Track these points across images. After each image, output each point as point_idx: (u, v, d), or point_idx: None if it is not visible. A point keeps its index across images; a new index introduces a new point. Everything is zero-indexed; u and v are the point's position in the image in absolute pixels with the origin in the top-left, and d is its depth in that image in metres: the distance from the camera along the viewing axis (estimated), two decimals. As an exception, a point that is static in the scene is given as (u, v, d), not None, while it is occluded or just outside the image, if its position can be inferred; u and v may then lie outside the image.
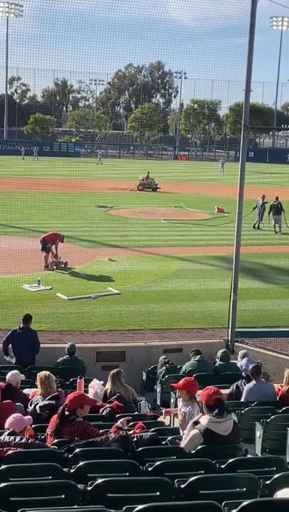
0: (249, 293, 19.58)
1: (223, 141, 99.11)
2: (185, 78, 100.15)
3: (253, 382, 10.23)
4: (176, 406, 9.81)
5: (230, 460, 6.04)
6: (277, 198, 33.03)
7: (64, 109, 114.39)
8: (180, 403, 8.21)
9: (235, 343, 15.16)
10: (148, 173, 50.68)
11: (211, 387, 6.96)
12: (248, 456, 6.87)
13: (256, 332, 16.41)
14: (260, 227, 33.30)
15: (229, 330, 15.24)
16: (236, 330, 15.33)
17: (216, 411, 6.62)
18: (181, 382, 8.07)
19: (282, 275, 23.60)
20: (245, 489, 5.42)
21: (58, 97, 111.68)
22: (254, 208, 32.81)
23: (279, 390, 10.13)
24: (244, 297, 17.52)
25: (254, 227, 32.91)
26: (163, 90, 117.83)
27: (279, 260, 25.59)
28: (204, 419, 6.67)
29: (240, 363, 12.78)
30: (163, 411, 10.01)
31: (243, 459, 6.41)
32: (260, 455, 8.52)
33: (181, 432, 7.81)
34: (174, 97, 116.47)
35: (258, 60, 15.24)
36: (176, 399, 10.31)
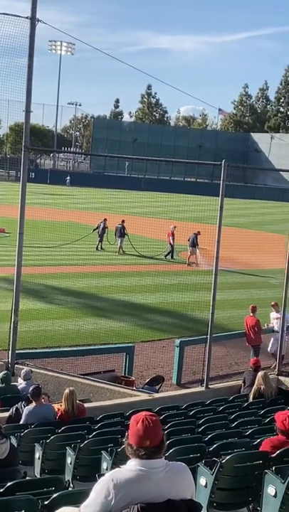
0: (31, 314, 19.57)
1: (4, 161, 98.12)
2: None
3: (33, 404, 10.21)
4: None
5: (9, 483, 5.95)
6: (122, 222, 35.07)
7: None
8: None
9: (16, 365, 14.97)
10: None
11: (-12, 411, 6.83)
12: (27, 478, 6.81)
13: (37, 353, 16.39)
14: (103, 248, 35.37)
15: (9, 352, 15.01)
16: (17, 352, 15.14)
17: (-6, 435, 6.51)
18: None
19: (64, 295, 23.93)
20: (23, 511, 5.38)
21: None
22: (94, 229, 35.50)
23: (58, 409, 10.22)
24: (25, 318, 17.46)
25: (97, 248, 35.22)
26: None
27: (60, 281, 25.93)
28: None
29: (21, 385, 12.67)
30: None
31: (21, 481, 6.34)
32: (39, 476, 8.49)
33: None
34: None
35: (38, 81, 15.38)
36: None
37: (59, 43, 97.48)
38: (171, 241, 34.22)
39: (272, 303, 18.97)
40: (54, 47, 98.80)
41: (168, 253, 34.32)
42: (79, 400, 10.71)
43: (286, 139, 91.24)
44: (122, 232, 34.79)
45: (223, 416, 10.82)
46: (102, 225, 35.57)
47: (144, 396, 13.68)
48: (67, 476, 8.21)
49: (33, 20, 13.77)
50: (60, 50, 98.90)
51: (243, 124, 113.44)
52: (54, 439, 8.70)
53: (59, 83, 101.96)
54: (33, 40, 13.90)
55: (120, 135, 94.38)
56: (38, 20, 13.79)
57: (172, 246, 34.24)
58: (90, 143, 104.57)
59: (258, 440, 8.05)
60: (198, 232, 31.94)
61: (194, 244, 32.38)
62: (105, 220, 35.74)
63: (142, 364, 17.28)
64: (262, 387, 12.09)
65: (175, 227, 34.52)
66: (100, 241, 35.48)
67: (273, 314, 18.77)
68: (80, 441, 8.44)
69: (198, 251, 32.44)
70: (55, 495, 5.46)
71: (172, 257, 34.19)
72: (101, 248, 35.43)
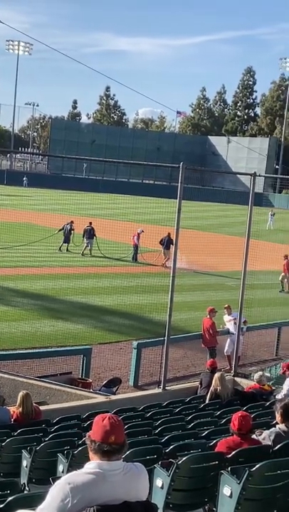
0: (-14, 316, 19.32)
1: None
2: None
3: (-12, 406, 10.10)
4: None
5: None
6: (90, 224, 35.11)
7: None
8: None
9: (-28, 368, 14.79)
10: None
11: None
12: (-18, 482, 6.73)
13: (-7, 355, 16.22)
14: (69, 250, 35.29)
15: None
16: (-28, 354, 14.99)
17: None
18: None
19: (20, 297, 23.71)
20: (-23, 516, 5.31)
21: None
22: (60, 230, 35.24)
23: (14, 412, 10.13)
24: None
25: (60, 249, 35.02)
26: None
27: (17, 282, 25.68)
28: None
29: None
30: None
31: (-24, 485, 6.27)
32: (-6, 480, 8.39)
33: None
34: None
35: (-6, 81, 15.27)
36: None
37: (16, 43, 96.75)
38: (136, 241, 34.02)
39: (225, 305, 19.19)
40: (11, 46, 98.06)
41: (133, 255, 34.16)
42: (35, 403, 10.63)
43: (243, 142, 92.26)
44: (90, 234, 34.71)
45: (179, 417, 10.86)
46: (68, 227, 35.27)
47: (101, 398, 13.65)
48: (23, 479, 8.12)
49: (-9, 19, 13.62)
50: (18, 49, 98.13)
51: (200, 127, 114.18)
52: (9, 442, 8.61)
53: (16, 83, 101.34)
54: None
55: (78, 136, 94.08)
56: (-4, 19, 13.64)
57: (136, 248, 34.05)
58: (48, 144, 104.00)
59: (214, 441, 8.11)
60: (169, 233, 31.61)
61: (169, 246, 32.07)
62: (72, 222, 35.44)
63: (99, 366, 17.24)
64: (218, 388, 12.19)
65: (143, 230, 34.33)
66: (67, 243, 35.27)
67: (226, 317, 18.98)
68: (35, 444, 8.36)
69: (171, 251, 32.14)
70: (10, 498, 5.40)
71: (134, 259, 34.02)
72: (67, 250, 35.28)
